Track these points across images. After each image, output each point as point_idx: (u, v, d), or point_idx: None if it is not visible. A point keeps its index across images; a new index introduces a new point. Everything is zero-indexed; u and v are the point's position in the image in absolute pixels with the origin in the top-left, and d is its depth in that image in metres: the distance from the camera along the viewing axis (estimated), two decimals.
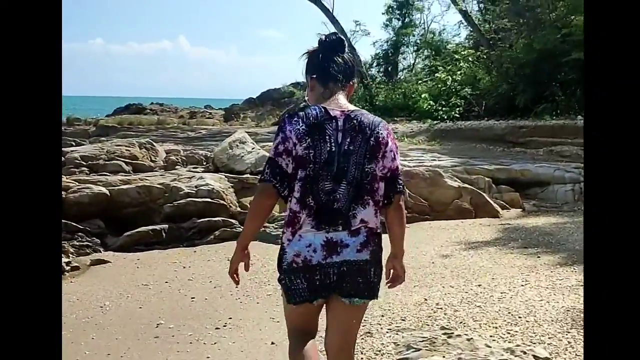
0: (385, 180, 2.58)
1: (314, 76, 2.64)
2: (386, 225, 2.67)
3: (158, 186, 8.92)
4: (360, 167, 2.51)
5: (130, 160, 11.26)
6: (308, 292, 2.56)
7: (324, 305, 2.68)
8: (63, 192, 8.67)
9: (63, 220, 8.22)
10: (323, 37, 2.66)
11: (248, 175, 9.91)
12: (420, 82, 26.05)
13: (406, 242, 2.83)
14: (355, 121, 2.53)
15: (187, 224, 8.64)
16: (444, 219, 9.73)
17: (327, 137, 2.49)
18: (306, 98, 2.76)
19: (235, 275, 2.71)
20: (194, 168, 11.30)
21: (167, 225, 8.52)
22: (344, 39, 2.68)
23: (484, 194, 10.27)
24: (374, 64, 33.78)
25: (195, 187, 9.02)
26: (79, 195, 8.61)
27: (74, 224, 8.27)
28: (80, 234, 8.29)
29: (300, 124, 2.48)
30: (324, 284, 2.54)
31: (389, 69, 34.15)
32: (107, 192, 8.74)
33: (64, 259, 7.39)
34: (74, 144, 13.52)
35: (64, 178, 9.22)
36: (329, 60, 2.62)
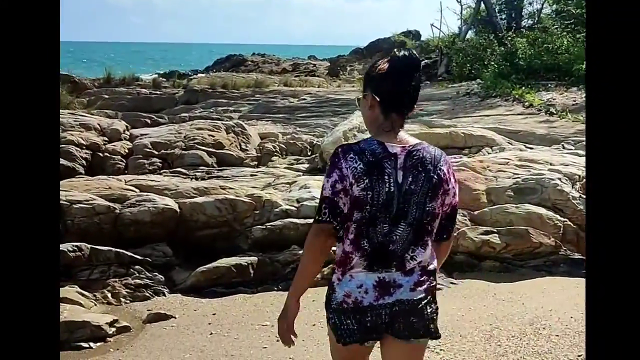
0: (445, 216, 2.62)
1: (377, 99, 2.53)
2: None
3: (245, 200, 6.80)
4: (421, 206, 2.51)
5: (214, 150, 9.26)
6: (358, 333, 2.57)
7: (377, 346, 2.67)
8: (117, 205, 6.76)
9: (114, 249, 6.33)
10: (397, 55, 2.55)
11: None
12: (564, 33, 22.45)
13: None
14: (416, 158, 2.52)
15: (285, 255, 6.49)
16: None
17: (385, 177, 2.48)
18: (360, 111, 2.80)
19: (291, 334, 2.65)
20: (295, 160, 9.13)
21: (256, 258, 6.42)
22: (419, 59, 2.58)
23: None
24: (496, 9, 30.36)
25: (297, 200, 6.83)
26: (138, 211, 6.66)
27: (130, 254, 6.34)
28: (137, 266, 6.35)
29: (357, 162, 2.46)
30: (375, 325, 2.56)
31: (512, 14, 30.68)
32: (176, 208, 6.73)
33: (108, 318, 5.46)
34: (149, 121, 11.67)
35: (119, 182, 7.30)
36: (399, 86, 2.53)
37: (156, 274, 6.36)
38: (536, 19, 30.48)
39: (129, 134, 10.03)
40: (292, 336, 2.65)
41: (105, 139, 9.67)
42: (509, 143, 9.60)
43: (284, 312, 2.64)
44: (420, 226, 2.53)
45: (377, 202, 2.47)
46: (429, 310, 2.59)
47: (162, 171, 8.43)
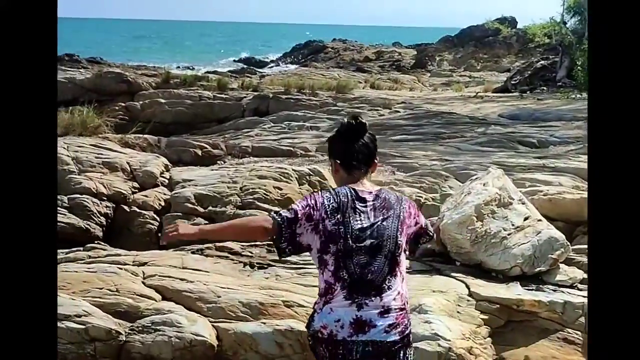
0: (411, 239, 3.17)
1: (338, 162, 3.13)
2: None
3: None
4: (394, 240, 2.99)
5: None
6: None
7: None
8: (125, 325, 4.65)
9: None
10: (345, 122, 3.15)
11: (519, 288, 5.17)
12: None
13: None
14: (384, 199, 3.06)
15: None
16: None
17: (357, 215, 2.97)
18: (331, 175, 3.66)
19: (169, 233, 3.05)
20: None
21: None
22: (365, 122, 3.12)
23: None
24: (570, 13, 26.23)
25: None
26: (153, 343, 4.50)
27: None
28: None
29: (332, 201, 2.98)
30: None
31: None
32: (213, 339, 4.52)
33: None
34: (199, 152, 9.51)
35: (134, 278, 5.17)
36: (351, 148, 3.09)
37: None
38: None
39: (168, 176, 7.91)
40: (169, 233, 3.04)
41: (136, 184, 7.60)
42: None
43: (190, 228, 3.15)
44: (393, 258, 2.99)
45: (350, 236, 2.94)
46: (401, 356, 2.94)
47: (204, 247, 6.22)
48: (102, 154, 7.93)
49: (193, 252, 6.22)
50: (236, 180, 7.48)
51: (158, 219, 7.23)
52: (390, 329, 2.89)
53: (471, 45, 41.28)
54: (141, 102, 17.80)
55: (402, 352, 2.94)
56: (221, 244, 6.33)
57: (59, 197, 7.18)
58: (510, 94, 20.82)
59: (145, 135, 9.80)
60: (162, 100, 17.67)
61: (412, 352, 3.03)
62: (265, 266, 5.86)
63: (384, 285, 2.93)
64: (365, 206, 2.99)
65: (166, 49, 65.41)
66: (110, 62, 35.67)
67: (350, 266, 2.91)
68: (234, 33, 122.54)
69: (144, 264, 5.69)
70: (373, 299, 2.90)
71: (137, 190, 7.54)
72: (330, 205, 2.95)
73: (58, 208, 7.07)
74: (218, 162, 9.16)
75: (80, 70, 25.88)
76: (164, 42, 78.05)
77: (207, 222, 7.08)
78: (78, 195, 7.15)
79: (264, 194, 7.19)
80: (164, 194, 7.53)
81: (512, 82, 22.71)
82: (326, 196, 3.00)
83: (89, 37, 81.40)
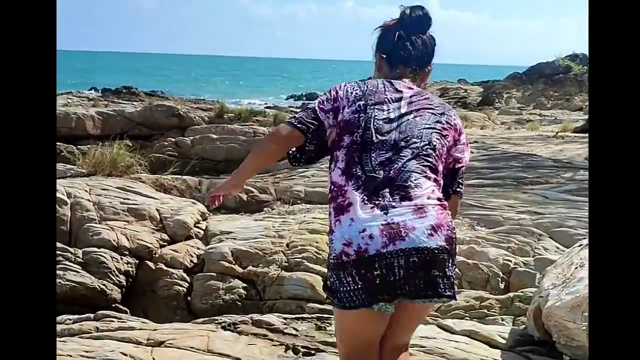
0: (447, 172, 2.58)
1: (384, 56, 2.67)
2: None
3: None
4: (427, 139, 2.49)
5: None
6: (364, 293, 2.30)
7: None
8: None
9: None
10: (407, 10, 2.63)
11: None
12: None
13: None
14: (424, 98, 2.58)
15: None
16: None
17: (384, 104, 2.51)
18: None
19: (216, 199, 2.70)
20: (481, 307, 5.53)
21: None
22: (430, 16, 2.63)
23: None
24: None
25: None
26: None
27: None
28: None
29: (356, 89, 2.56)
30: (387, 282, 2.27)
31: None
32: None
33: None
34: (245, 197, 8.41)
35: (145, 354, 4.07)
36: (406, 41, 2.62)
37: None
38: None
39: (203, 227, 6.83)
40: (216, 201, 2.70)
41: (165, 236, 6.54)
42: None
43: (220, 186, 2.71)
44: (425, 160, 2.45)
45: (369, 127, 2.46)
46: (450, 264, 2.36)
47: (238, 321, 5.06)
48: (128, 199, 6.92)
49: (224, 328, 5.07)
50: (283, 235, 6.34)
51: (188, 279, 6.13)
52: (432, 231, 2.31)
53: (541, 82, 40.26)
54: (192, 138, 17.05)
55: (450, 261, 2.35)
56: (259, 318, 5.18)
57: (72, 250, 6.22)
58: None
59: (184, 177, 8.80)
60: (214, 136, 16.87)
61: (455, 269, 2.41)
62: (313, 352, 4.67)
63: (410, 182, 2.38)
64: (400, 98, 2.54)
65: (234, 83, 66.32)
66: (169, 95, 35.31)
67: (367, 162, 2.41)
68: (301, 69, 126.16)
69: (161, 343, 4.59)
70: (399, 198, 2.34)
71: (166, 244, 6.48)
72: (353, 93, 2.55)
73: (70, 264, 6.08)
74: (265, 209, 8.07)
75: (134, 103, 25.37)
76: (233, 77, 79.35)
77: (245, 284, 5.96)
78: (95, 249, 6.13)
79: (316, 252, 6.03)
80: (198, 249, 6.45)
81: None
82: (350, 85, 2.59)
83: (168, 72, 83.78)
